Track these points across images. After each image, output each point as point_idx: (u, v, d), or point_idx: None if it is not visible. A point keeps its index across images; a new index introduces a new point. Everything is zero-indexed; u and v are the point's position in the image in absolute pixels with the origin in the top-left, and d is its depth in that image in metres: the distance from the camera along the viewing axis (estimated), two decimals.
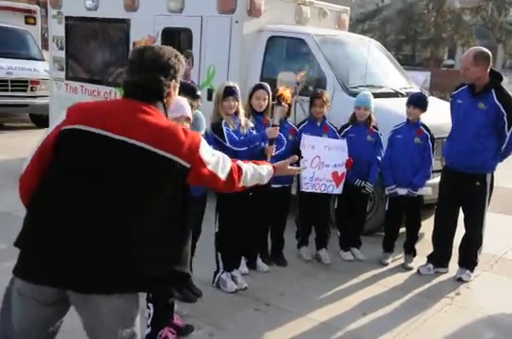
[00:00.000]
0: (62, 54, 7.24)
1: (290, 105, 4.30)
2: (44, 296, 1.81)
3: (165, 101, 1.97)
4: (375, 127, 4.51)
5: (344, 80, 5.36)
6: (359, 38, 6.61)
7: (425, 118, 4.51)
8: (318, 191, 4.34)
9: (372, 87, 5.34)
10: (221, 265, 3.85)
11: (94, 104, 2.03)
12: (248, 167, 2.20)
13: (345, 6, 7.22)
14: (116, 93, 6.71)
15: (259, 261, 4.27)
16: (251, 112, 3.94)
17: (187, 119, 2.84)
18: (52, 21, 7.36)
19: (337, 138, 4.42)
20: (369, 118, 4.47)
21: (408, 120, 4.42)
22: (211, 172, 1.99)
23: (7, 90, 9.47)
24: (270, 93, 3.93)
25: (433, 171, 4.63)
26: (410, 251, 4.54)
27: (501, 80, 4.04)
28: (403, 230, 4.66)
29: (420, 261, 4.49)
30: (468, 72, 4.01)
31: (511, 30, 22.72)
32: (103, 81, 6.87)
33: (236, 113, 3.68)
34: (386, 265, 4.50)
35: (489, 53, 4.03)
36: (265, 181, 2.35)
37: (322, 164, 4.31)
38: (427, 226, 4.75)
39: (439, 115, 4.83)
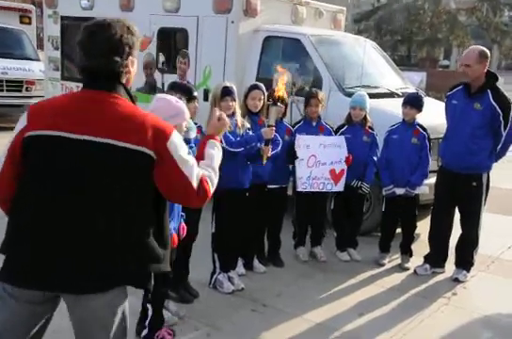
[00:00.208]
0: (58, 54, 7.22)
1: (286, 106, 4.31)
2: (33, 296, 1.81)
3: (125, 81, 1.88)
4: (370, 128, 4.52)
5: (339, 80, 5.36)
6: (354, 38, 6.61)
7: (421, 118, 4.52)
8: (317, 190, 4.34)
9: (368, 87, 5.34)
10: (218, 265, 3.84)
11: (54, 103, 1.91)
12: (206, 169, 2.01)
13: (341, 6, 7.23)
14: None
15: (256, 262, 4.26)
16: (247, 112, 3.93)
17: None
18: (47, 20, 7.34)
19: None
20: (364, 118, 4.48)
21: (403, 120, 4.42)
22: (183, 174, 1.84)
23: (1, 91, 9.45)
24: (265, 93, 3.92)
25: (430, 172, 4.64)
26: (407, 252, 4.55)
27: (496, 80, 4.04)
28: (399, 230, 4.66)
29: (416, 261, 4.49)
30: (470, 69, 3.98)
31: (506, 31, 22.83)
32: None
33: (233, 114, 3.68)
34: (383, 265, 4.50)
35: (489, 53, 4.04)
36: (220, 156, 2.26)
37: (318, 162, 4.31)
38: (424, 226, 4.76)
39: (434, 115, 4.84)
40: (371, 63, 5.88)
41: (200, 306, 3.57)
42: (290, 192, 4.55)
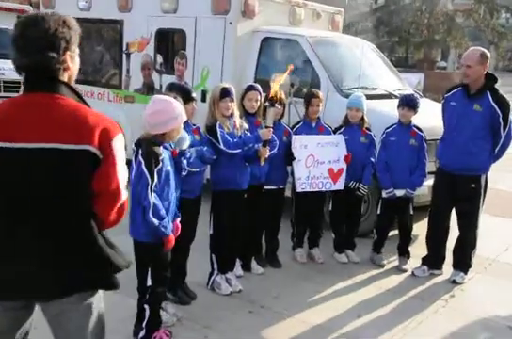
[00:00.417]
0: None
1: (284, 107, 4.31)
2: (13, 303, 1.82)
3: (66, 78, 1.78)
4: (368, 129, 4.51)
5: (337, 82, 5.36)
6: (352, 39, 6.61)
7: (420, 120, 4.52)
8: (316, 190, 4.34)
9: (365, 88, 5.34)
10: (216, 266, 3.83)
11: None
12: None
13: (339, 7, 7.23)
14: (110, 94, 6.68)
15: (253, 263, 4.25)
16: (243, 113, 3.93)
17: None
18: None
19: None
20: (362, 119, 4.47)
21: (399, 121, 4.42)
22: (117, 181, 1.77)
23: None
24: (262, 94, 3.92)
25: (428, 173, 4.64)
26: (404, 254, 4.54)
27: (496, 82, 4.04)
28: (396, 232, 4.65)
29: (414, 263, 4.49)
30: (471, 70, 3.98)
31: (503, 32, 22.87)
32: (96, 82, 6.84)
33: (231, 115, 3.67)
34: (383, 266, 4.50)
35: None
36: None
37: (317, 162, 4.30)
38: (421, 228, 4.76)
39: (432, 117, 4.84)
40: (369, 64, 5.88)
41: (197, 308, 3.56)
42: (288, 193, 4.55)
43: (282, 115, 4.32)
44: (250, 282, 4.01)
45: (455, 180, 4.13)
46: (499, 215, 5.97)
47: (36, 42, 1.71)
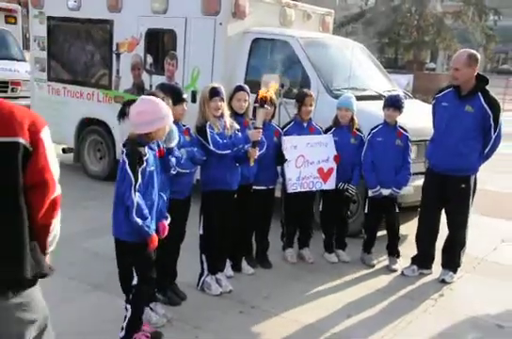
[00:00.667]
0: (44, 54, 7.14)
1: (275, 107, 4.31)
2: None
3: None
4: (358, 130, 4.53)
5: (327, 82, 5.37)
6: (342, 40, 6.63)
7: (409, 120, 4.54)
8: (307, 189, 4.35)
9: (355, 89, 5.36)
10: (206, 267, 3.83)
11: None
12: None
13: (329, 8, 7.25)
14: (99, 94, 6.65)
15: (244, 263, 4.25)
16: (232, 114, 3.93)
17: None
18: (33, 21, 7.25)
19: None
20: (352, 120, 4.49)
21: (385, 122, 4.44)
22: (50, 172, 1.79)
23: None
24: (249, 95, 3.92)
25: (416, 173, 4.67)
26: (394, 253, 4.57)
27: (487, 83, 4.06)
28: (385, 232, 4.68)
29: (404, 263, 4.51)
30: (459, 73, 4.01)
31: (491, 35, 23.06)
32: (85, 82, 6.80)
33: (222, 115, 3.67)
34: (373, 266, 4.52)
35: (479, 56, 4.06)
36: None
37: (307, 162, 4.32)
38: (411, 228, 4.78)
39: (422, 118, 4.87)
40: (359, 65, 5.90)
41: (187, 308, 3.56)
42: (278, 194, 4.55)
43: (273, 115, 4.33)
44: (241, 283, 4.01)
45: (444, 180, 4.16)
46: (487, 214, 6.02)
47: None
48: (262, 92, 3.65)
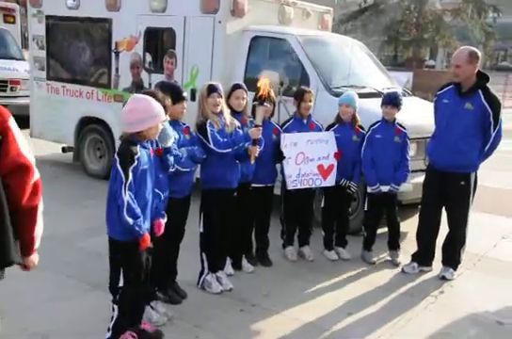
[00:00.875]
0: (43, 53, 7.13)
1: (274, 105, 4.31)
2: None
3: None
4: (360, 127, 4.54)
5: (327, 80, 5.37)
6: (342, 38, 6.63)
7: (409, 117, 4.53)
8: (307, 186, 4.35)
9: (355, 87, 5.36)
10: (206, 265, 3.83)
11: None
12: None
13: (328, 6, 7.24)
14: (98, 93, 6.65)
15: (244, 261, 4.25)
16: (230, 112, 3.93)
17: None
18: (32, 20, 7.25)
19: None
20: (354, 118, 4.49)
21: (384, 119, 4.44)
22: (23, 156, 1.88)
23: None
24: (247, 92, 3.93)
25: (416, 171, 4.67)
26: (395, 247, 4.58)
27: (487, 81, 4.06)
28: (385, 229, 4.68)
29: (404, 260, 4.52)
30: (460, 70, 4.00)
31: (490, 32, 23.03)
32: (85, 81, 6.79)
33: (221, 112, 3.67)
34: (373, 263, 4.52)
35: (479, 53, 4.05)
36: None
37: (307, 159, 4.32)
38: (411, 225, 4.78)
39: (422, 115, 4.87)
40: (358, 63, 5.90)
41: (188, 307, 3.56)
42: (277, 191, 4.55)
43: (272, 113, 4.33)
44: (241, 281, 4.01)
45: (444, 177, 4.16)
46: (487, 211, 6.03)
47: None
48: (261, 85, 3.65)
